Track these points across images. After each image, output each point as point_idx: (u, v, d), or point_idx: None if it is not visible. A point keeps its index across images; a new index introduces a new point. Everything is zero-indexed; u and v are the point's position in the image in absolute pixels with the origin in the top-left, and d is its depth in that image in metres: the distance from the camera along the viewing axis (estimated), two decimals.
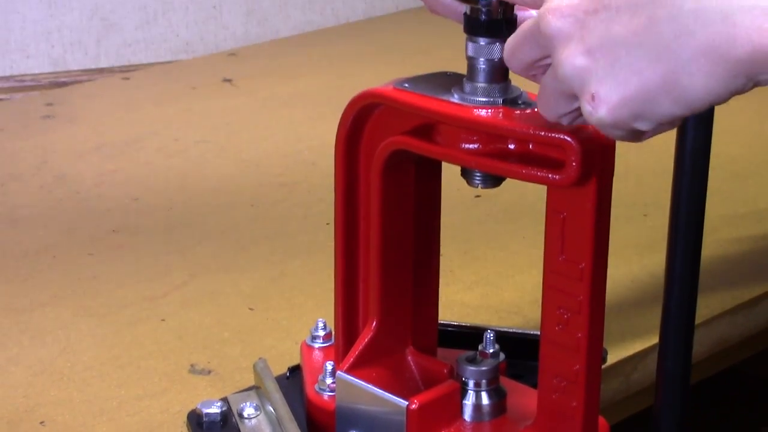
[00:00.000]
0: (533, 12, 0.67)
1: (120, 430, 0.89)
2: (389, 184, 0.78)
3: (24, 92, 1.93)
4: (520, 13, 0.71)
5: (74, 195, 1.35)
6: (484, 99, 0.72)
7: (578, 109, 0.62)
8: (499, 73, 0.72)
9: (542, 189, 0.72)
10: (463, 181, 0.76)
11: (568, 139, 0.67)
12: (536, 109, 0.70)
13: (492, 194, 1.29)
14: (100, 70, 2.00)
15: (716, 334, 1.07)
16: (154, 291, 1.11)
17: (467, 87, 0.72)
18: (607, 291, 0.72)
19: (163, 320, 1.05)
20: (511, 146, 0.71)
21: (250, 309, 1.07)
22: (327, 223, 1.23)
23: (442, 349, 0.84)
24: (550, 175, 0.68)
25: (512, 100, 0.71)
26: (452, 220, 1.21)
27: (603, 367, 0.75)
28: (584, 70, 0.60)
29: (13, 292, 1.11)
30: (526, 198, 1.29)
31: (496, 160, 0.71)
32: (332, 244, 0.82)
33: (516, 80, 0.73)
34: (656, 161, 1.41)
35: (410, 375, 0.81)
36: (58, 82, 1.95)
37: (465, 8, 0.72)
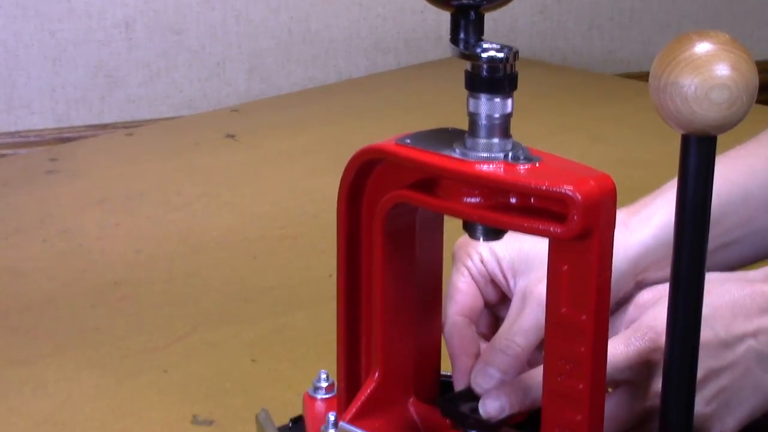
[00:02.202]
0: None
1: None
2: (391, 237, 0.78)
3: (28, 148, 1.94)
4: None
5: (77, 248, 1.36)
6: (485, 154, 0.72)
7: None
8: (500, 128, 0.73)
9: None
10: (465, 234, 0.76)
11: (570, 193, 0.68)
12: (537, 164, 0.71)
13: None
14: (104, 126, 2.02)
15: None
16: (157, 342, 1.11)
17: (468, 142, 0.73)
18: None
19: (165, 371, 1.06)
20: (513, 200, 0.71)
21: (253, 360, 1.08)
22: (329, 275, 1.24)
23: None
24: (552, 228, 0.69)
25: (514, 155, 0.72)
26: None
27: None
28: (705, 417, 0.79)
29: (16, 344, 1.12)
30: None
31: (497, 214, 0.72)
32: (334, 295, 0.82)
33: (518, 135, 0.74)
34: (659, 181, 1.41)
35: (412, 426, 0.81)
36: (62, 137, 1.96)
37: (466, 65, 0.73)
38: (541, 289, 0.77)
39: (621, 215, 0.87)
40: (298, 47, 2.14)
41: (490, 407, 0.77)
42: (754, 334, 0.80)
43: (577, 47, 2.30)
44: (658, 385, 0.75)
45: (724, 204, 0.91)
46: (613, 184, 0.70)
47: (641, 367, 0.79)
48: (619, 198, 0.71)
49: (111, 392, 1.02)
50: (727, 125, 0.64)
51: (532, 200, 0.71)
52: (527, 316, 0.82)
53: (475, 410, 0.78)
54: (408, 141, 0.75)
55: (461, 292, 0.87)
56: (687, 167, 0.66)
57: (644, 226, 0.88)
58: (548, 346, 0.72)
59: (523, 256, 0.87)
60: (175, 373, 1.06)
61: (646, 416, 0.81)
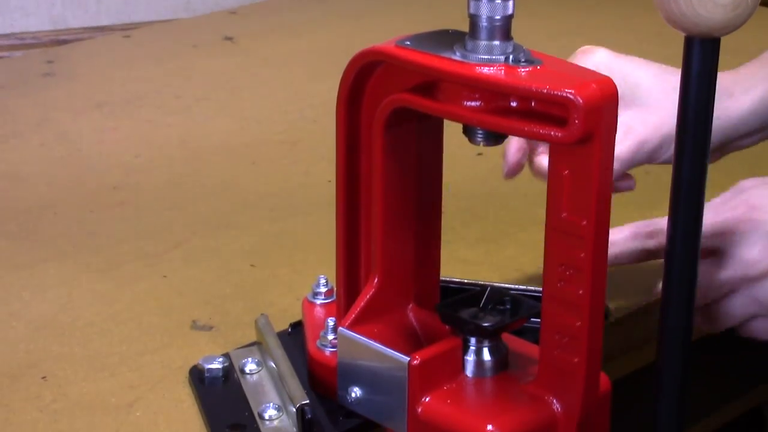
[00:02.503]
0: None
1: (121, 386, 0.89)
2: (391, 142, 0.78)
3: (24, 50, 1.92)
4: None
5: (75, 152, 1.35)
6: (486, 56, 0.71)
7: None
8: (501, 30, 0.72)
9: None
10: (465, 139, 0.76)
11: (571, 96, 0.67)
12: (539, 67, 0.70)
13: (494, 152, 1.28)
14: (101, 28, 2.00)
15: None
16: (156, 247, 1.11)
17: (469, 44, 0.72)
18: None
19: (164, 276, 1.06)
20: (514, 103, 0.71)
21: (252, 265, 1.08)
22: (329, 181, 1.23)
23: None
24: (552, 133, 0.68)
25: (515, 58, 0.71)
26: (454, 178, 1.20)
27: (605, 323, 0.75)
28: None
29: (15, 249, 1.11)
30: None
31: (498, 118, 0.71)
32: (333, 201, 0.82)
33: (519, 38, 0.73)
34: None
35: (412, 331, 0.81)
36: (59, 40, 1.94)
37: None
38: (641, 128, 0.77)
39: (725, 80, 0.87)
40: None
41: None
42: None
43: None
44: (747, 254, 0.75)
45: None
46: (615, 88, 0.69)
47: (729, 236, 0.78)
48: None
49: (110, 297, 1.02)
50: (731, 27, 0.63)
51: (532, 104, 0.70)
52: (625, 149, 0.84)
53: (475, 316, 0.78)
54: (408, 43, 0.75)
55: None
56: (690, 70, 0.65)
57: (745, 96, 0.88)
58: (548, 252, 0.72)
59: (629, 86, 0.86)
60: (174, 278, 1.05)
61: (733, 287, 0.80)
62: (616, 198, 0.72)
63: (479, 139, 0.75)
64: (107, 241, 1.13)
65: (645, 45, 1.73)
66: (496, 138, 0.75)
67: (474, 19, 0.72)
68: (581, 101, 0.67)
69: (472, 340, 0.78)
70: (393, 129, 0.77)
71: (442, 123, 0.80)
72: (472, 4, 0.72)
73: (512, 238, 1.12)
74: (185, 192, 1.24)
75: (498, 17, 0.71)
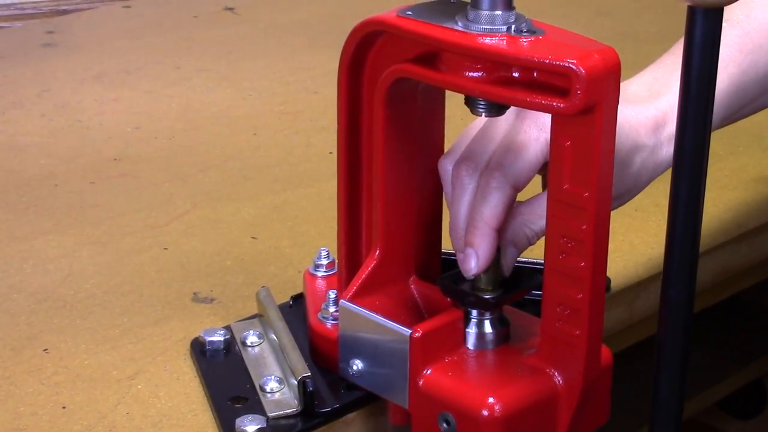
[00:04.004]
0: None
1: (123, 358, 0.89)
2: (392, 113, 0.77)
3: (24, 20, 1.91)
4: None
5: (75, 123, 1.34)
6: (488, 26, 0.71)
7: None
8: (503, 0, 0.71)
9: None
10: (467, 110, 0.75)
11: (574, 66, 0.66)
12: (541, 37, 0.69)
13: None
14: None
15: (720, 263, 1.07)
16: (157, 219, 1.11)
17: (471, 14, 0.71)
18: (610, 220, 0.71)
19: (165, 249, 1.05)
20: (516, 74, 0.70)
21: (253, 238, 1.07)
22: (330, 152, 1.23)
23: None
24: (554, 103, 0.68)
25: (517, 28, 0.70)
26: None
27: (606, 295, 0.75)
28: None
29: (15, 220, 1.11)
30: None
31: (500, 88, 0.70)
32: (335, 173, 0.81)
33: (521, 8, 0.72)
34: None
35: (413, 304, 0.81)
36: (59, 9, 1.93)
37: None
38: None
39: (642, 85, 0.86)
40: None
41: (466, 266, 0.77)
42: None
43: None
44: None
45: None
46: (618, 58, 0.68)
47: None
48: (622, 73, 0.69)
49: (111, 269, 1.02)
50: None
51: (535, 74, 0.69)
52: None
53: (476, 288, 0.78)
54: (409, 13, 0.74)
55: None
56: (693, 41, 0.64)
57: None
58: (550, 224, 0.72)
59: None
60: (175, 250, 1.05)
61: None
62: None
63: (481, 110, 0.75)
64: (108, 213, 1.12)
65: (647, 14, 1.72)
66: (498, 108, 0.75)
67: None
68: (583, 71, 0.66)
69: (474, 313, 0.78)
70: (394, 100, 0.77)
71: (444, 94, 0.80)
72: None
73: None
74: (186, 163, 1.24)
75: None
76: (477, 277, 0.77)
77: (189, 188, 1.18)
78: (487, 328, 0.78)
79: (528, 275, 0.79)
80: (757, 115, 1.31)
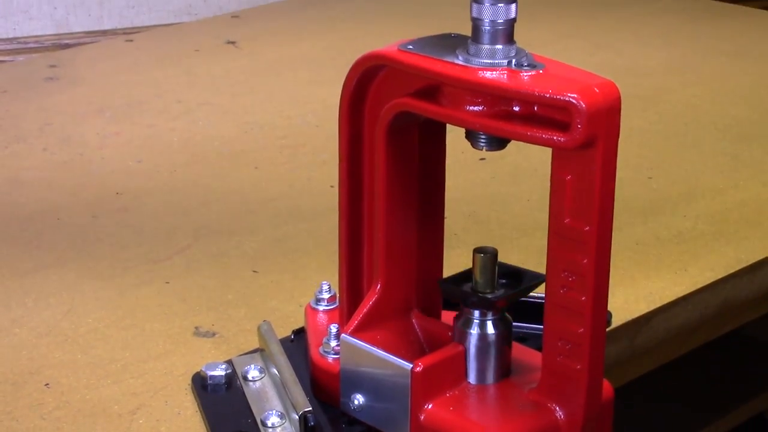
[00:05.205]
0: None
1: (124, 393, 0.89)
2: (394, 147, 0.77)
3: (27, 54, 1.92)
4: None
5: (78, 157, 1.35)
6: (488, 60, 0.71)
7: None
8: (503, 34, 0.72)
9: (547, 151, 0.71)
10: (468, 144, 0.76)
11: (574, 101, 0.67)
12: (541, 71, 0.70)
13: (496, 157, 1.29)
14: (103, 32, 2.00)
15: (721, 297, 1.07)
16: (158, 253, 1.11)
17: (472, 48, 0.72)
18: (611, 254, 0.72)
19: (167, 282, 1.05)
20: (516, 108, 0.70)
21: (254, 271, 1.07)
22: (331, 186, 1.23)
23: (447, 312, 0.84)
24: (555, 137, 0.68)
25: (518, 62, 0.71)
26: (456, 183, 1.20)
27: (607, 329, 0.75)
28: None
29: (18, 254, 1.11)
30: (530, 160, 1.28)
31: (500, 122, 0.71)
32: (336, 206, 0.81)
33: (521, 42, 0.73)
34: (661, 124, 1.40)
35: (414, 338, 0.81)
36: (61, 44, 1.95)
37: None
38: None
39: None
40: None
41: None
42: None
43: None
44: None
45: None
46: (618, 91, 0.69)
47: None
48: (622, 106, 0.70)
49: (113, 304, 1.02)
50: None
51: (535, 108, 0.70)
52: None
53: (476, 289, 0.77)
54: (410, 47, 0.75)
55: None
56: None
57: None
58: (551, 259, 0.72)
59: None
60: (177, 284, 1.05)
61: None
62: (619, 204, 0.72)
63: (482, 144, 0.75)
64: (110, 247, 1.12)
65: (646, 48, 1.73)
66: (498, 143, 0.75)
67: (477, 23, 0.72)
68: (584, 105, 0.67)
69: (476, 314, 0.77)
70: (396, 134, 0.77)
71: (445, 127, 0.80)
72: (474, 7, 0.72)
73: (515, 243, 1.12)
74: (187, 197, 1.24)
75: (501, 21, 0.71)
76: (477, 278, 0.77)
77: (190, 222, 1.18)
78: (490, 329, 0.78)
79: (529, 275, 0.79)
80: (758, 149, 1.32)
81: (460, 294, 0.78)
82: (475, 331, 0.78)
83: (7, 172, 1.30)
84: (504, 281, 0.78)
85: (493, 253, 0.77)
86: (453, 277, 0.79)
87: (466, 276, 0.78)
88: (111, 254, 1.11)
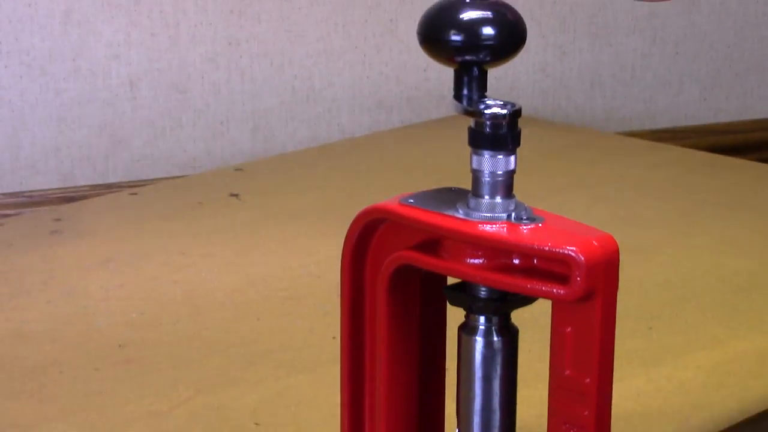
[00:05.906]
0: None
1: None
2: (395, 299, 0.78)
3: (32, 207, 1.94)
4: None
5: (81, 310, 1.35)
6: (488, 214, 0.72)
7: None
8: (503, 186, 0.73)
9: (547, 302, 0.72)
10: None
11: (573, 254, 0.68)
12: (540, 224, 0.71)
13: None
14: (108, 186, 2.02)
15: None
16: (161, 406, 1.11)
17: (471, 202, 0.73)
18: (612, 405, 0.72)
19: None
20: (516, 261, 0.71)
21: (256, 424, 1.07)
22: (333, 337, 1.23)
23: None
24: (554, 290, 0.69)
25: (517, 216, 0.72)
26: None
27: None
28: None
29: (20, 408, 1.11)
30: (530, 311, 1.28)
31: (500, 275, 0.72)
32: (338, 358, 0.82)
33: (520, 196, 0.74)
34: (661, 274, 1.41)
35: None
36: (67, 197, 1.96)
37: (470, 122, 0.73)
38: None
39: None
40: (301, 106, 2.14)
41: None
42: None
43: (579, 105, 2.30)
44: None
45: None
46: (616, 244, 0.70)
47: None
48: (621, 258, 0.71)
49: None
50: None
51: (535, 261, 0.71)
52: None
53: (480, 297, 0.77)
54: (411, 201, 0.76)
55: None
56: None
57: None
58: (552, 410, 0.72)
59: None
60: None
61: None
62: (619, 355, 0.72)
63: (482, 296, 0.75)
64: (112, 400, 1.12)
65: (645, 199, 1.74)
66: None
67: (476, 174, 0.73)
68: (583, 259, 0.68)
69: (481, 319, 0.77)
70: (397, 286, 0.78)
71: (446, 280, 0.81)
72: (474, 159, 0.73)
73: (517, 394, 1.11)
74: (190, 349, 1.24)
75: (500, 173, 0.73)
76: None
77: (193, 374, 1.18)
78: (494, 335, 0.77)
79: None
80: (757, 299, 1.33)
81: (465, 300, 0.77)
82: (480, 339, 0.77)
83: (11, 325, 1.31)
84: None
85: None
86: (456, 284, 0.79)
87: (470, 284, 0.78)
88: (113, 407, 1.11)
